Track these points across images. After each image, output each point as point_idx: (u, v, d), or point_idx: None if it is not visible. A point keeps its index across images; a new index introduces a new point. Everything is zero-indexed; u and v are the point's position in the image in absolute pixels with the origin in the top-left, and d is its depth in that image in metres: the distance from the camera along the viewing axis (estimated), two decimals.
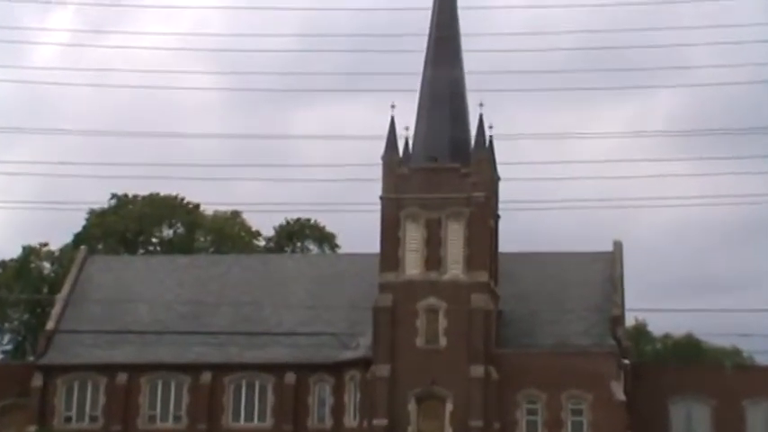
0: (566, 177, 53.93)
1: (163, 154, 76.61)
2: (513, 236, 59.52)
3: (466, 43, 57.54)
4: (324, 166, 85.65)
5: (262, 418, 56.87)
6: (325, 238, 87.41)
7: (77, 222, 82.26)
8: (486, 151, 54.86)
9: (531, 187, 59.97)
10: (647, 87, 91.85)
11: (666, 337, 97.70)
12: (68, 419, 58.05)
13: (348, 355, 56.03)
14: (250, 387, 57.24)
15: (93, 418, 57.88)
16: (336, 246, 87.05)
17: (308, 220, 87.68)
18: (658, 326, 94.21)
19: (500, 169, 57.49)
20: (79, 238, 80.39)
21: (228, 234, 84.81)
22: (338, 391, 56.03)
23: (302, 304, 59.38)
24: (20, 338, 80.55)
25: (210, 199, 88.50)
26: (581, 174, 61.62)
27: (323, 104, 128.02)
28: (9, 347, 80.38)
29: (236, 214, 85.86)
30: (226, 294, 61.24)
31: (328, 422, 56.21)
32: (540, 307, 56.68)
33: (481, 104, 54.48)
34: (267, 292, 60.96)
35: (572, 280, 58.64)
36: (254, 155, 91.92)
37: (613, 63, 58.82)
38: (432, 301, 53.32)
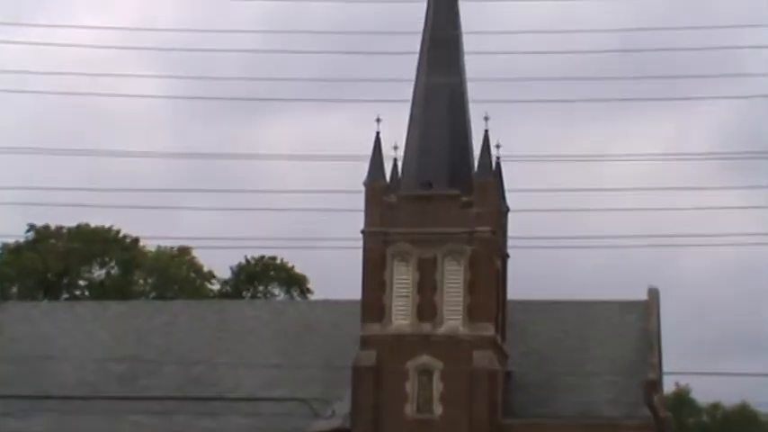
0: (589, 209, 54.35)
1: (94, 176, 76.47)
2: (525, 280, 59.85)
3: (468, 43, 58.07)
4: (293, 192, 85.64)
5: None
6: (293, 281, 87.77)
7: None
8: (491, 176, 55.22)
9: (547, 220, 60.30)
10: (691, 99, 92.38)
11: (715, 407, 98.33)
12: None
13: (321, 425, 56.06)
14: None
15: None
16: (308, 290, 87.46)
17: (273, 258, 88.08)
18: (704, 393, 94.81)
19: (509, 198, 57.92)
20: None
21: (174, 276, 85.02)
22: None
23: (265, 363, 59.46)
24: None
25: (153, 232, 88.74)
26: (608, 204, 61.88)
27: (293, 117, 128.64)
28: None
29: (184, 251, 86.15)
30: (171, 350, 61.30)
31: None
32: (557, 368, 56.86)
33: (486, 118, 55.01)
34: (222, 347, 61.10)
35: (597, 335, 58.89)
36: (208, 178, 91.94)
37: (650, 69, 59.26)
38: (425, 359, 53.50)
